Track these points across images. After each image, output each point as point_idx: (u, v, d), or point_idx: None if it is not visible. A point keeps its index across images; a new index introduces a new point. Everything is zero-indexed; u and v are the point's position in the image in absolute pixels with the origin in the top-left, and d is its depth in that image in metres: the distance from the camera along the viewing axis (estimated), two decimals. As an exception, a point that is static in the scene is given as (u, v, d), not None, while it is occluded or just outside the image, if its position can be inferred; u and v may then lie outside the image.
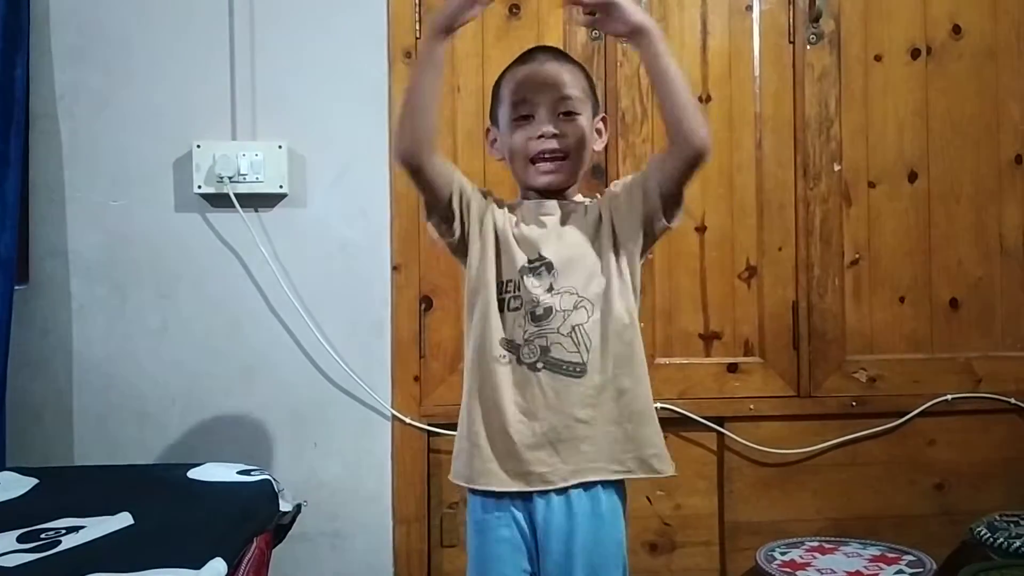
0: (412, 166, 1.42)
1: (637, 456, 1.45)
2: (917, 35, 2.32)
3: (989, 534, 2.07)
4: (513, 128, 1.49)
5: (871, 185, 2.31)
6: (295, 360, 2.18)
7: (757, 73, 2.28)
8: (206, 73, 2.16)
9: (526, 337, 1.43)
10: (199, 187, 2.13)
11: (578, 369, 1.43)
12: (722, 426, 2.26)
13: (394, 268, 2.20)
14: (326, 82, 2.18)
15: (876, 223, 2.31)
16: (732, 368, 2.27)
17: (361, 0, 2.19)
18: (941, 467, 2.32)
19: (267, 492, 1.81)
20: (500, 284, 1.46)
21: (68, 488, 1.78)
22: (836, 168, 2.30)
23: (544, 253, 1.46)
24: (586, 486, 1.43)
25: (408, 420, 2.20)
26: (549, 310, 1.43)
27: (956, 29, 2.32)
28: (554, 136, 1.46)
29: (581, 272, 1.45)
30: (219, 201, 2.15)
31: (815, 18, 2.27)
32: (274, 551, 1.79)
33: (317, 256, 2.19)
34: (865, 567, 2.02)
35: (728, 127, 2.28)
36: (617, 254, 1.46)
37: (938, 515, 2.30)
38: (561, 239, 1.47)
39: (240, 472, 1.87)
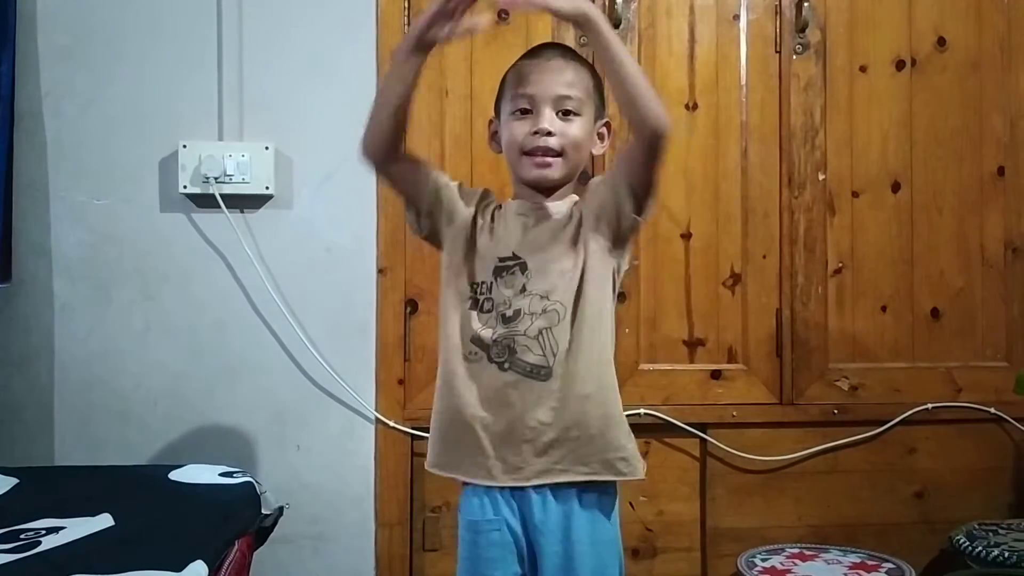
0: (375, 162, 1.48)
1: (602, 459, 1.44)
2: (902, 47, 2.34)
3: (968, 543, 2.08)
4: (511, 120, 1.48)
5: (855, 195, 2.33)
6: (279, 362, 2.18)
7: (743, 82, 2.30)
8: (193, 73, 2.16)
9: (495, 338, 1.44)
10: (184, 187, 2.13)
11: (543, 373, 1.43)
12: (705, 432, 2.27)
13: (379, 271, 2.20)
14: (314, 84, 2.18)
15: (859, 232, 2.33)
16: (716, 375, 2.28)
17: (349, 2, 2.19)
18: (921, 475, 2.33)
19: (249, 494, 1.80)
20: (474, 285, 1.47)
21: (49, 488, 1.77)
22: (820, 177, 2.31)
23: (518, 252, 1.46)
24: (576, 486, 1.43)
25: (392, 423, 2.19)
26: (518, 312, 1.44)
27: (941, 41, 2.34)
28: (549, 134, 1.45)
29: (555, 275, 1.45)
30: (204, 201, 2.15)
31: (801, 28, 2.28)
32: (256, 554, 1.79)
33: (302, 258, 2.18)
34: (845, 574, 2.03)
35: (714, 135, 2.29)
36: (593, 254, 1.45)
37: (918, 523, 2.32)
38: (538, 240, 1.47)
39: (222, 474, 1.87)
